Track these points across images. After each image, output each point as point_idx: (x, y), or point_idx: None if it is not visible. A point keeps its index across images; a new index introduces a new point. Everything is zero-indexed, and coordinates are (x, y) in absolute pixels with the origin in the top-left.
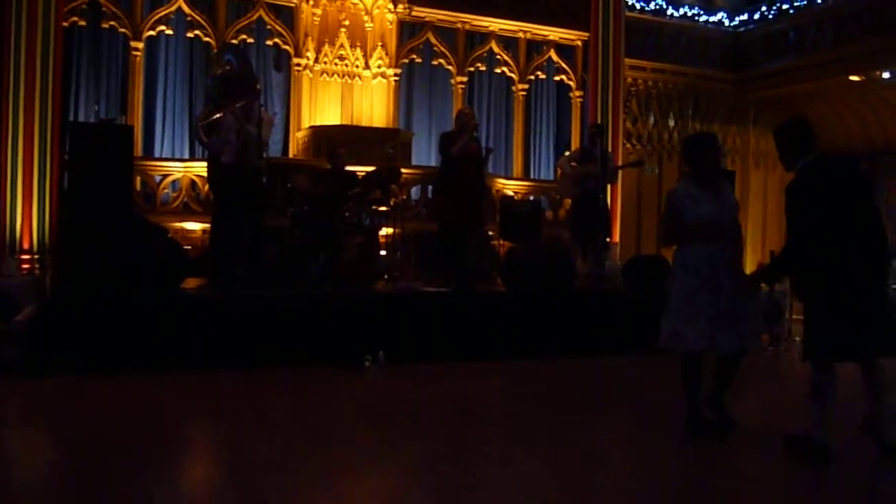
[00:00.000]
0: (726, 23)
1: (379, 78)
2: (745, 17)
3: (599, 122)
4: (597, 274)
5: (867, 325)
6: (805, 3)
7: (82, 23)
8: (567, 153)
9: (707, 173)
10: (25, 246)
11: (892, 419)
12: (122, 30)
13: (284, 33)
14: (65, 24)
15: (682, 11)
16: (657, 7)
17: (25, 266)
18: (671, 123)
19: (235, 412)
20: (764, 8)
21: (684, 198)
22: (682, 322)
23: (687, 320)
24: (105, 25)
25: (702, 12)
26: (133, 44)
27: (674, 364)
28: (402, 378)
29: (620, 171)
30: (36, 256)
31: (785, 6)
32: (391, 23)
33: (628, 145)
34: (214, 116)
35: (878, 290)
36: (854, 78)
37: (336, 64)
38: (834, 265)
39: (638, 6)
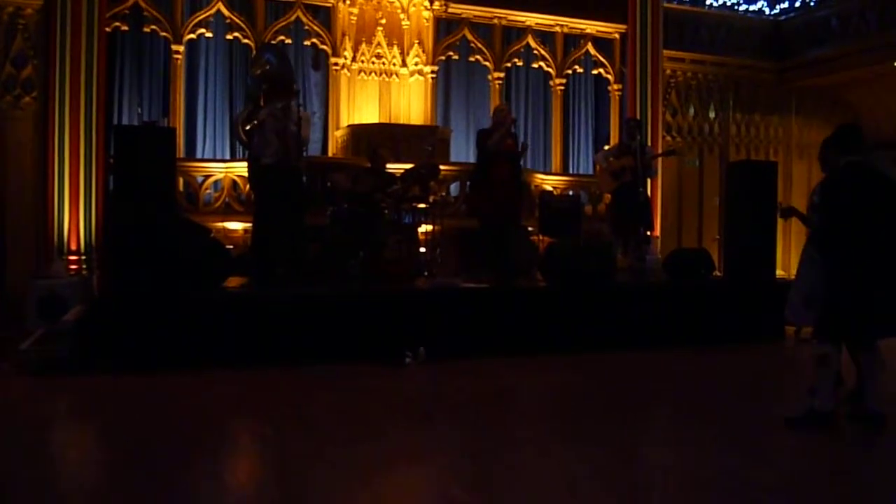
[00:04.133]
0: (767, 11)
1: (416, 75)
2: (785, 4)
3: (638, 116)
4: (638, 268)
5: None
6: None
7: (124, 28)
8: (606, 148)
9: None
10: (73, 247)
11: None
12: (164, 34)
13: (322, 33)
14: (107, 29)
15: (721, 1)
16: None
17: (73, 267)
18: (711, 115)
19: (277, 408)
20: None
21: None
22: None
23: None
24: (146, 30)
25: (741, 1)
26: (174, 47)
27: (714, 358)
28: (443, 374)
29: (659, 163)
30: (83, 257)
31: None
32: (427, 20)
33: (668, 138)
34: (253, 121)
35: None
36: None
37: (373, 62)
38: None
39: None
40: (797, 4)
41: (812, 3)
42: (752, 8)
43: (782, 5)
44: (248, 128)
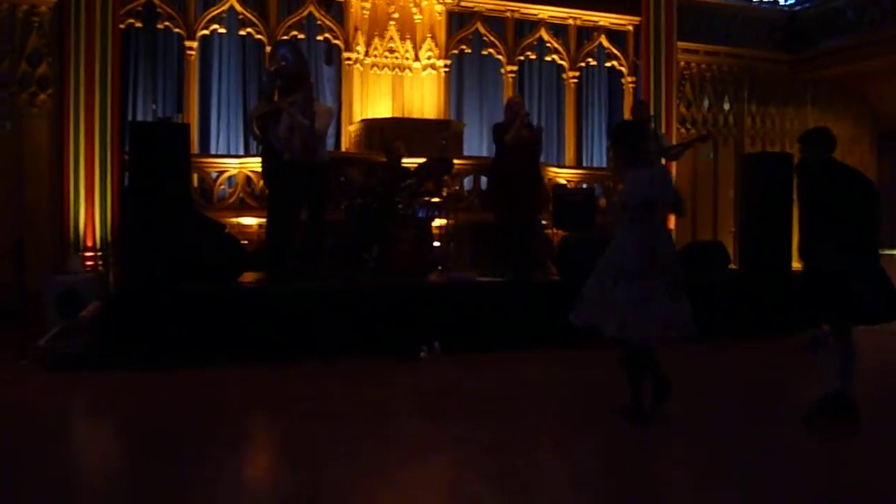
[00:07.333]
0: (782, 1)
1: (429, 69)
2: None
3: (652, 108)
4: None
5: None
6: None
7: (138, 24)
8: None
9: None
10: (89, 243)
11: None
12: (177, 30)
13: (335, 28)
14: (121, 26)
15: None
16: None
17: (89, 263)
18: (726, 107)
19: (293, 403)
20: None
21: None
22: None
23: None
24: (160, 26)
25: None
26: (187, 43)
27: (729, 353)
28: (458, 368)
29: (684, 151)
30: (99, 253)
31: None
32: (440, 14)
33: (683, 130)
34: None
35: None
36: None
37: (386, 57)
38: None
39: None
40: None
41: None
42: None
43: None
44: (271, 105)
